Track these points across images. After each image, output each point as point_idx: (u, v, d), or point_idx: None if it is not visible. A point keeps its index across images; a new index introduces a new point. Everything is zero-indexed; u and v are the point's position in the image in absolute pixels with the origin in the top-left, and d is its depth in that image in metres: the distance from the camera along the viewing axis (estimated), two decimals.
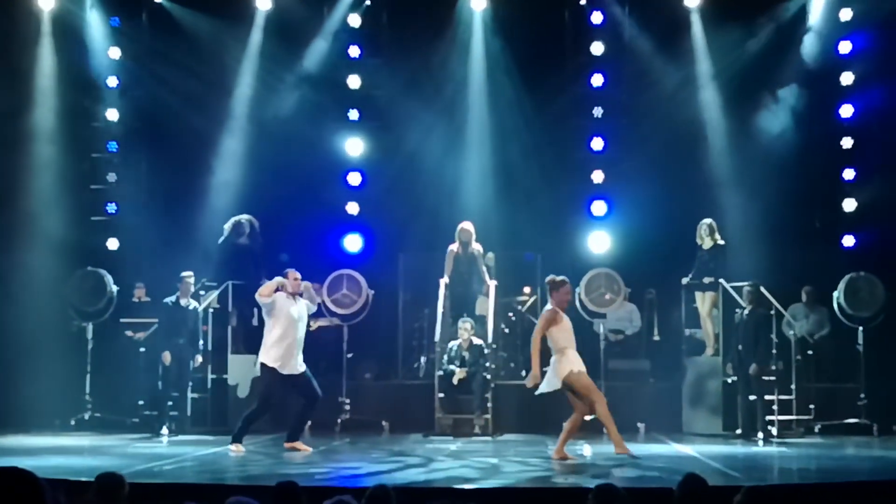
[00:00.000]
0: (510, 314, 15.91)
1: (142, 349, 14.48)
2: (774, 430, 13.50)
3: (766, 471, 10.43)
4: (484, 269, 14.67)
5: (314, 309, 12.47)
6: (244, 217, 15.01)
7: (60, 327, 14.92)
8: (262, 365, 11.77)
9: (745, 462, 10.85)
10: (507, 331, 15.71)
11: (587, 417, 11.97)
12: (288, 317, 11.70)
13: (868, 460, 11.53)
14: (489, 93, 16.71)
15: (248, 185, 16.15)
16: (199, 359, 14.11)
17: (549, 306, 10.81)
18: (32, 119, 15.52)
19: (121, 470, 7.25)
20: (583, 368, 10.71)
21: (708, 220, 14.45)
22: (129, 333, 15.03)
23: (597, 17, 16.75)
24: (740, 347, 13.63)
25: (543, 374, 10.78)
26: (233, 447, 11.54)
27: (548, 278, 11.15)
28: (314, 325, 15.85)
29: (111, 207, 16.25)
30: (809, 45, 16.13)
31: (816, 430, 14.01)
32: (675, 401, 14.51)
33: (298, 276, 12.02)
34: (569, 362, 10.59)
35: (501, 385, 14.57)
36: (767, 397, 13.60)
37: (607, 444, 11.87)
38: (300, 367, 11.79)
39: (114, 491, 5.96)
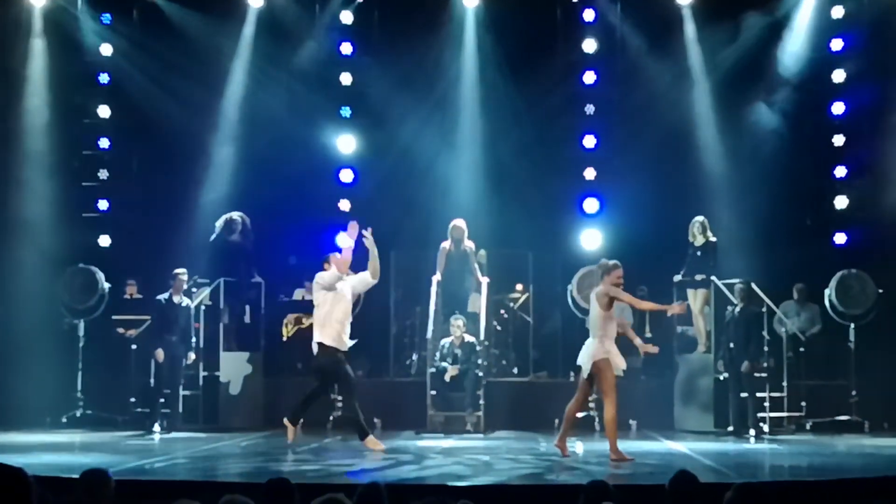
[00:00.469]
0: (502, 311, 15.93)
1: (133, 346, 14.45)
2: (766, 427, 13.53)
3: (757, 468, 10.46)
4: (476, 266, 14.67)
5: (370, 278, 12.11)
6: (236, 214, 14.99)
7: (52, 324, 14.88)
8: (320, 345, 11.46)
9: (737, 459, 10.88)
10: (499, 328, 15.72)
11: (580, 414, 12.03)
12: (337, 294, 11.54)
13: (859, 457, 11.55)
14: (481, 90, 16.71)
15: (240, 182, 16.13)
16: (192, 356, 14.09)
17: (601, 288, 10.71)
18: (24, 116, 15.50)
19: (112, 467, 7.25)
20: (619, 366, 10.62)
21: (700, 218, 14.47)
22: (120, 331, 15.02)
23: (589, 15, 16.76)
24: (731, 345, 13.66)
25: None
26: (369, 442, 11.36)
27: (601, 262, 11.07)
28: (305, 321, 15.88)
29: (103, 204, 16.22)
30: (801, 43, 16.14)
31: (807, 427, 14.04)
32: (667, 398, 14.53)
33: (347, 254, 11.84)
34: (608, 351, 10.54)
35: (493, 382, 14.59)
36: (759, 394, 13.64)
37: (599, 441, 11.91)
38: (348, 343, 11.62)
39: (99, 487, 5.95)
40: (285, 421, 11.68)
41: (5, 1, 15.68)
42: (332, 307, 11.50)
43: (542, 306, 16.47)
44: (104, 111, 16.27)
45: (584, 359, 10.59)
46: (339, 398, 14.27)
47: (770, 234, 15.59)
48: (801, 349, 14.57)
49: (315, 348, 11.53)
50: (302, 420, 11.92)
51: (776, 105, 16.02)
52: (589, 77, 16.80)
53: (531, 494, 8.62)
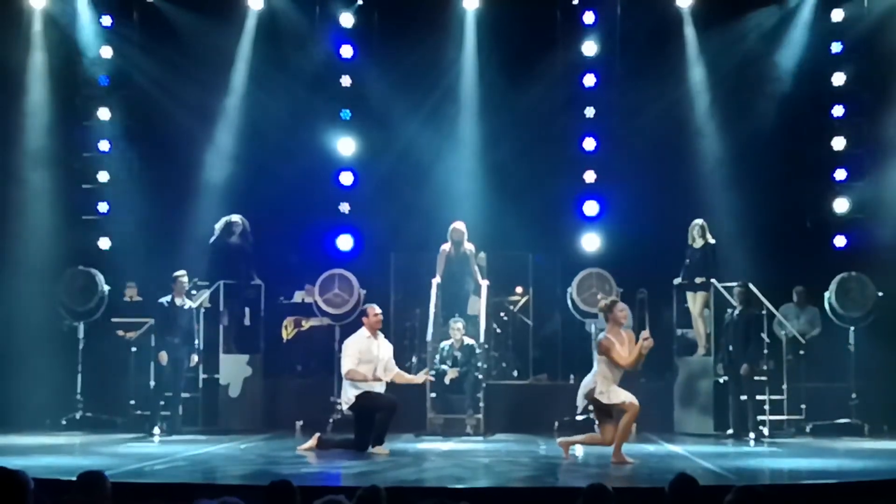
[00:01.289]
0: (502, 314, 15.93)
1: (133, 349, 14.43)
2: (765, 430, 13.52)
3: (757, 471, 10.45)
4: (476, 268, 14.67)
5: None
6: (235, 216, 14.99)
7: (52, 326, 14.88)
8: (352, 402, 11.54)
9: (737, 462, 10.86)
10: (498, 331, 15.72)
11: (580, 418, 12.03)
12: (369, 359, 11.56)
13: (859, 460, 11.54)
14: (481, 92, 16.71)
15: (240, 185, 16.14)
16: (195, 358, 14.05)
17: (601, 337, 10.66)
18: (24, 117, 15.49)
19: (111, 469, 7.24)
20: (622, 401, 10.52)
21: (700, 221, 14.49)
22: (120, 333, 15.00)
23: (589, 17, 16.74)
24: (731, 347, 13.65)
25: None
26: (379, 449, 11.39)
27: (600, 304, 11.05)
28: (306, 324, 15.89)
29: (103, 207, 16.18)
30: (801, 46, 16.14)
31: (807, 429, 14.03)
32: (667, 401, 14.53)
33: (379, 311, 11.86)
34: (603, 392, 10.46)
35: (493, 385, 14.58)
36: (758, 397, 13.63)
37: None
38: (380, 390, 11.67)
39: (95, 488, 5.95)
40: (316, 436, 11.78)
41: (5, 2, 15.67)
42: (370, 368, 11.60)
43: (542, 309, 16.47)
44: (104, 113, 16.24)
45: (579, 398, 10.61)
46: (339, 400, 14.32)
47: (770, 237, 15.59)
48: (801, 352, 14.55)
49: (352, 400, 11.55)
50: (318, 434, 11.94)
51: (776, 107, 16.00)
52: (589, 79, 16.78)
53: (530, 497, 8.62)
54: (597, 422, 10.78)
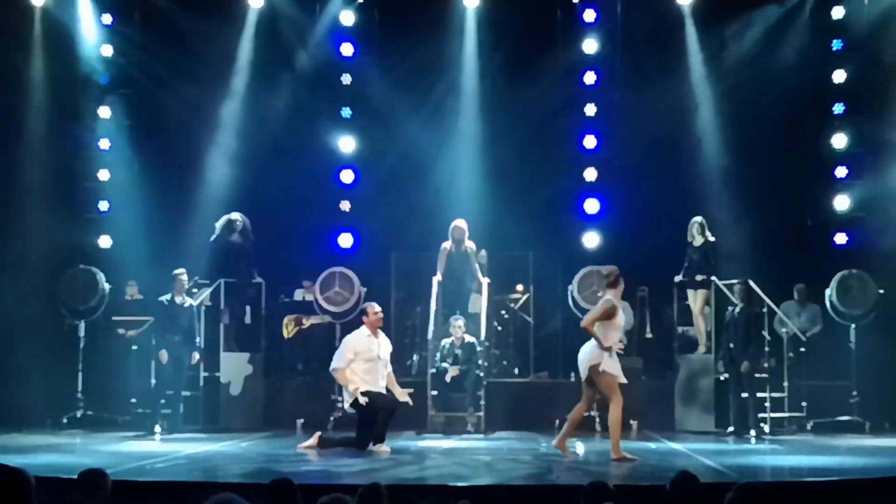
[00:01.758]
0: (503, 312, 15.93)
1: (134, 347, 14.44)
2: (766, 428, 13.52)
3: (758, 468, 10.45)
4: (477, 266, 14.67)
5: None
6: (236, 214, 14.99)
7: (52, 325, 14.88)
8: (354, 400, 11.52)
9: (738, 459, 10.87)
10: (499, 328, 15.73)
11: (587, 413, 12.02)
12: (370, 358, 11.57)
13: (860, 457, 11.54)
14: (482, 90, 16.72)
15: (241, 183, 16.14)
16: (196, 356, 14.04)
17: (609, 298, 10.69)
18: (24, 116, 15.50)
19: (112, 468, 7.24)
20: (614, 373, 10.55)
21: (698, 218, 14.49)
22: (121, 331, 15.00)
23: (589, 15, 16.75)
24: (732, 345, 13.65)
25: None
26: (379, 447, 11.41)
27: (605, 271, 11.03)
28: (306, 322, 15.89)
29: (103, 205, 16.19)
30: (802, 43, 16.15)
31: (808, 427, 14.03)
32: (668, 398, 14.54)
33: (379, 309, 11.85)
34: (603, 356, 10.49)
35: (494, 383, 14.59)
36: (759, 395, 13.63)
37: (600, 441, 11.91)
38: (381, 388, 11.67)
39: (96, 486, 5.96)
40: (317, 434, 11.78)
41: (6, 1, 15.68)
42: (371, 367, 11.60)
43: (543, 307, 16.48)
44: (105, 112, 16.24)
45: (581, 363, 10.59)
46: (339, 398, 14.33)
47: (770, 235, 15.60)
48: (802, 349, 14.54)
49: (353, 398, 11.55)
50: (319, 433, 11.95)
51: (776, 105, 15.99)
52: (589, 77, 16.80)
53: (532, 495, 8.62)
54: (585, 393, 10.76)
